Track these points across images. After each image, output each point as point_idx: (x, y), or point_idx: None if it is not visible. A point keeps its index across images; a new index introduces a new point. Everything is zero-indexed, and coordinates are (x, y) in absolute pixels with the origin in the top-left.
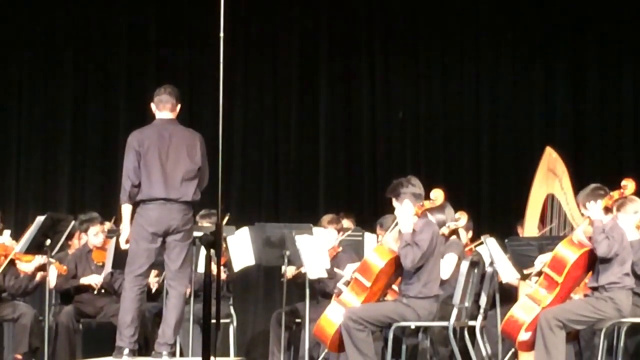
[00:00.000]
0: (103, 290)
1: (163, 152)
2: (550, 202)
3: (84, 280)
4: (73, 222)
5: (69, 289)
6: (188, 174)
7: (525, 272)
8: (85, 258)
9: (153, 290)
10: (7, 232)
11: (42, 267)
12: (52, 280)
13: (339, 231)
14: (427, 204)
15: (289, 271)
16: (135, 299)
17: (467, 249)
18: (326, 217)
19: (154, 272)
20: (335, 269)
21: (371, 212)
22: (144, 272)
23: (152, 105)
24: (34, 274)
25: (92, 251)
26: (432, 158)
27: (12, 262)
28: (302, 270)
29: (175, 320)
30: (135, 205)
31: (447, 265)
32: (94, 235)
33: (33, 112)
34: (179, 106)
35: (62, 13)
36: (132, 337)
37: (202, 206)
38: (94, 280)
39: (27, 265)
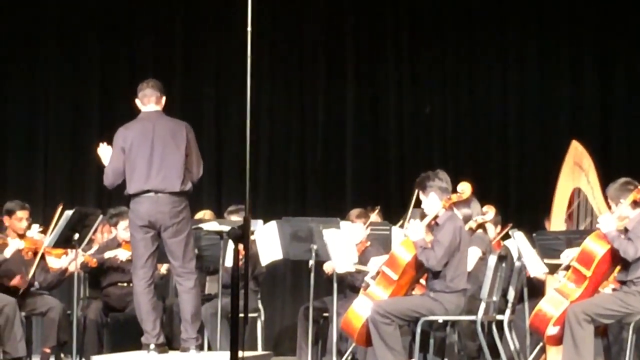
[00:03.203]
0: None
1: (147, 144)
2: (577, 196)
3: (109, 254)
4: (101, 217)
5: (97, 271)
6: (174, 164)
7: (547, 261)
8: None
9: None
10: (35, 227)
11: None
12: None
13: (367, 225)
14: (454, 198)
15: (328, 267)
16: (144, 292)
17: (495, 242)
18: (354, 212)
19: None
20: (359, 266)
21: (399, 206)
22: (145, 263)
23: (137, 101)
24: (66, 269)
25: (121, 245)
26: (459, 152)
27: (42, 257)
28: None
29: (190, 315)
30: (128, 199)
31: (469, 258)
32: (124, 229)
33: (60, 107)
34: (164, 98)
35: (89, 6)
36: (154, 330)
37: (229, 201)
38: (121, 254)
39: (57, 260)
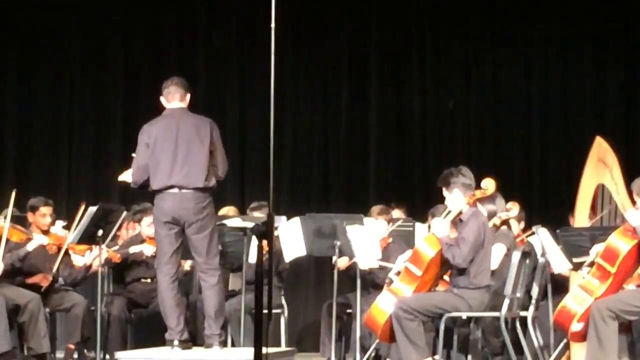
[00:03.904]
0: (155, 280)
1: (171, 140)
2: (601, 192)
3: (134, 249)
4: (125, 213)
5: (122, 267)
6: (198, 160)
7: (575, 260)
8: None
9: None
10: (59, 223)
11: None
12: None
13: (388, 222)
14: (478, 194)
15: (341, 262)
16: (168, 289)
17: (519, 239)
18: (375, 208)
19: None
20: (382, 263)
21: (422, 202)
22: (169, 260)
23: (162, 99)
24: (90, 266)
25: (145, 241)
26: (483, 148)
27: (66, 253)
28: (355, 261)
29: (214, 311)
30: (152, 195)
31: (494, 255)
32: (147, 225)
33: (84, 104)
34: (188, 95)
35: (113, 5)
36: (178, 326)
37: (253, 197)
38: (146, 249)
39: (81, 257)
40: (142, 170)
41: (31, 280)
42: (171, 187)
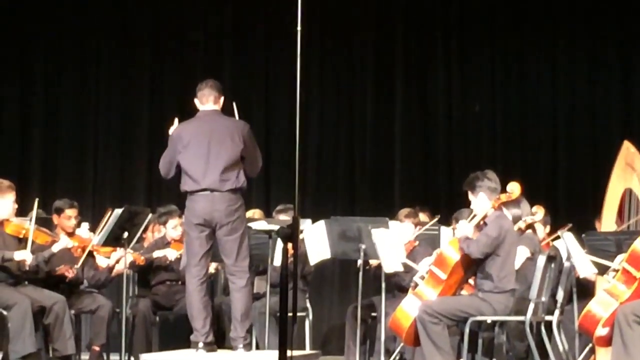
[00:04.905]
0: (180, 283)
1: (204, 142)
2: (628, 196)
3: (157, 254)
4: (150, 215)
5: (146, 269)
6: (230, 162)
7: (597, 259)
8: None
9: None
10: (85, 225)
11: (119, 259)
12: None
13: (416, 225)
14: (504, 197)
15: (372, 261)
16: (196, 290)
17: (544, 243)
18: (404, 211)
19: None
20: (410, 263)
21: (447, 206)
22: (199, 262)
23: (196, 101)
24: (113, 267)
25: (170, 244)
26: (508, 151)
27: (90, 255)
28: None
29: (240, 313)
30: (184, 197)
31: (517, 257)
32: (173, 228)
33: (110, 105)
34: (222, 98)
35: (139, 6)
36: (203, 328)
37: (278, 200)
38: (169, 254)
39: (106, 259)
40: (169, 165)
41: (58, 272)
42: (204, 189)
